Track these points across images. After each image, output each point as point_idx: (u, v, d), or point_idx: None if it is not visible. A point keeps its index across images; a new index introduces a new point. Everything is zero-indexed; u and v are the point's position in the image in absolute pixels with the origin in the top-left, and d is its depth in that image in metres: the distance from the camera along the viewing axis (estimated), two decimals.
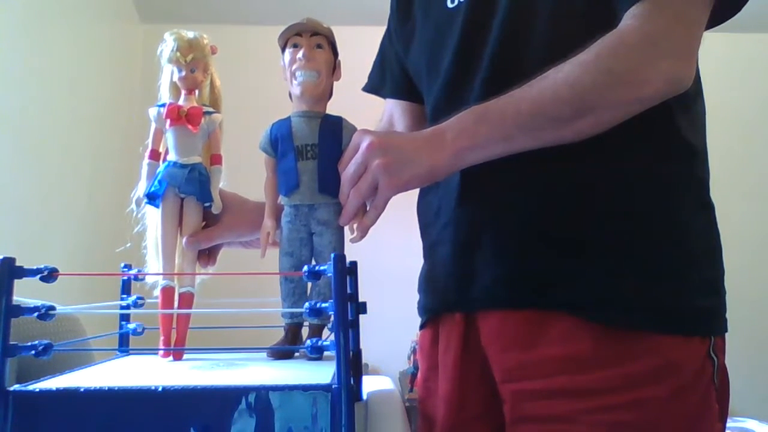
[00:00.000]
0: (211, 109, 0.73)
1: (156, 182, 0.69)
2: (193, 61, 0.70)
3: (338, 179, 0.69)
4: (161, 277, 0.68)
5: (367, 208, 0.71)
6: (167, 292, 0.68)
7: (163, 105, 0.71)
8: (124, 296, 0.72)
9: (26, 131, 1.96)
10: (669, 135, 0.71)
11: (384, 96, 0.99)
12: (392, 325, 2.29)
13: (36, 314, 0.53)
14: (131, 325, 0.73)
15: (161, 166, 0.70)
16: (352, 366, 0.50)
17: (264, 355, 0.68)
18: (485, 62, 0.75)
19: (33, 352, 0.51)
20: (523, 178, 0.72)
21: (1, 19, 1.84)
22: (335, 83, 0.75)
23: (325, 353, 0.57)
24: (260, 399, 0.47)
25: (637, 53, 0.65)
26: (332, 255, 0.50)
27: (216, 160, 0.73)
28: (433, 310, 0.85)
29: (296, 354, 0.69)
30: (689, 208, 0.71)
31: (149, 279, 0.71)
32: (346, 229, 0.71)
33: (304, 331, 0.72)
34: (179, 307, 0.68)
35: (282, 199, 0.72)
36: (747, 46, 2.92)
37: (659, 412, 0.65)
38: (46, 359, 0.52)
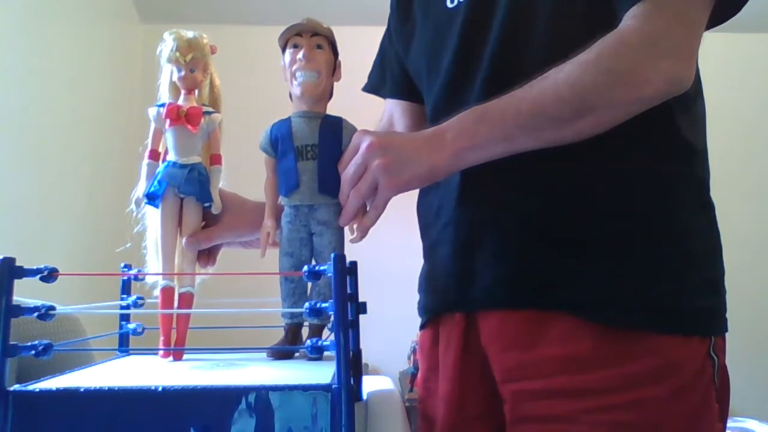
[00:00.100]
0: (210, 109, 0.73)
1: (155, 182, 0.69)
2: (193, 60, 0.70)
3: (338, 179, 0.69)
4: (161, 277, 0.68)
5: (367, 209, 0.71)
6: (167, 292, 0.68)
7: (162, 105, 0.71)
8: (124, 296, 0.72)
9: (26, 131, 1.96)
10: (669, 135, 0.71)
11: (384, 96, 0.99)
12: (392, 325, 2.29)
13: (36, 314, 0.53)
14: (131, 325, 0.73)
15: (161, 166, 0.70)
16: (352, 366, 0.50)
17: (264, 355, 0.68)
18: (485, 62, 0.75)
19: (33, 352, 0.51)
20: (523, 178, 0.72)
21: (1, 19, 1.84)
22: (335, 83, 0.75)
23: (325, 353, 0.57)
24: (260, 399, 0.47)
25: (638, 53, 0.65)
26: (332, 255, 0.50)
27: (215, 160, 0.72)
28: (433, 310, 0.85)
29: (296, 354, 0.69)
30: (689, 208, 0.71)
31: (149, 279, 0.71)
32: (346, 229, 0.71)
33: (304, 332, 0.72)
34: (179, 308, 0.68)
35: (282, 200, 0.72)
36: (747, 46, 2.92)
37: (659, 412, 0.65)
38: (46, 359, 0.52)
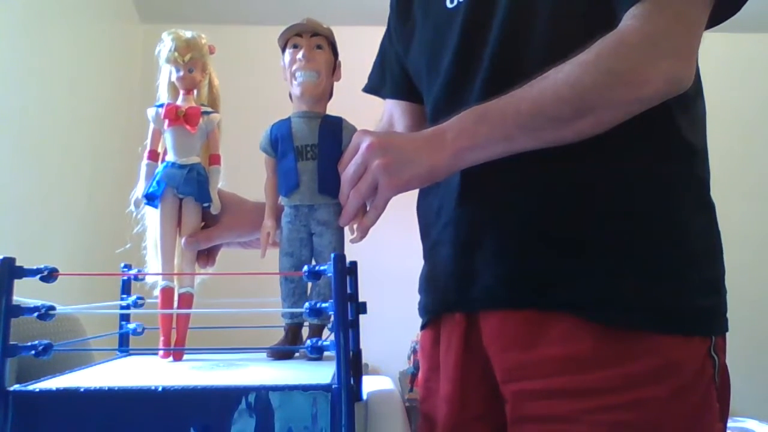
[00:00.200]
0: (209, 109, 0.73)
1: (154, 183, 0.69)
2: (191, 60, 0.70)
3: (338, 180, 0.69)
4: (160, 277, 0.68)
5: (367, 209, 0.71)
6: (166, 292, 0.68)
7: (161, 105, 0.71)
8: (124, 296, 0.72)
9: (26, 131, 1.96)
10: (669, 135, 0.71)
11: (384, 96, 0.99)
12: (392, 325, 2.29)
13: (36, 314, 0.53)
14: (131, 325, 0.73)
15: (160, 167, 0.70)
16: (352, 366, 0.50)
17: (264, 355, 0.68)
18: (485, 62, 0.75)
19: (33, 352, 0.51)
20: (523, 178, 0.72)
21: (1, 19, 1.84)
22: (335, 84, 0.75)
23: (325, 353, 0.57)
24: (260, 399, 0.47)
25: (638, 53, 0.65)
26: (332, 255, 0.50)
27: (214, 160, 0.72)
28: (433, 311, 0.85)
29: (296, 354, 0.69)
30: (689, 208, 0.71)
31: (149, 279, 0.71)
32: (346, 229, 0.71)
33: (304, 332, 0.72)
34: (179, 308, 0.68)
35: (282, 200, 0.72)
36: (747, 46, 2.92)
37: (659, 411, 0.65)
38: (46, 359, 0.52)
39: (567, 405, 0.67)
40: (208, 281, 0.76)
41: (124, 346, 0.73)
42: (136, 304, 0.71)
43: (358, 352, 0.62)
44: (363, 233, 0.71)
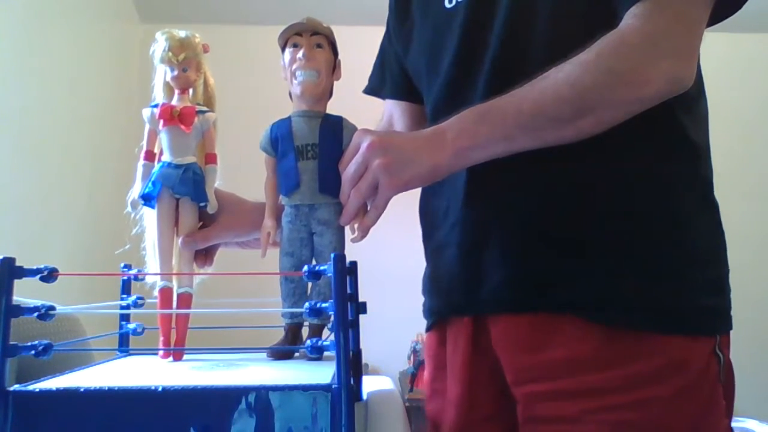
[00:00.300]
0: (204, 108, 0.72)
1: (150, 183, 0.69)
2: (186, 60, 0.70)
3: (339, 179, 0.69)
4: (159, 277, 0.68)
5: (368, 208, 0.71)
6: (165, 293, 0.68)
7: (156, 105, 0.71)
8: (124, 296, 0.72)
9: (26, 131, 1.96)
10: (673, 134, 0.71)
11: (384, 97, 0.99)
12: (392, 325, 2.29)
13: (36, 314, 0.53)
14: (131, 325, 0.73)
15: (156, 167, 0.70)
16: (352, 366, 0.49)
17: (264, 355, 0.68)
18: (487, 63, 0.75)
19: (33, 352, 0.51)
20: (528, 178, 0.72)
21: (1, 19, 1.84)
22: (335, 83, 0.75)
23: (325, 353, 0.57)
24: (260, 399, 0.47)
25: (638, 53, 0.65)
26: (332, 255, 0.50)
27: (211, 159, 0.72)
28: (439, 313, 0.85)
29: (296, 354, 0.69)
30: (692, 207, 0.71)
31: (149, 279, 0.71)
32: (347, 229, 0.71)
33: (305, 332, 0.72)
34: (177, 308, 0.68)
35: (282, 199, 0.72)
36: (747, 46, 2.92)
37: (663, 411, 0.65)
38: (46, 359, 0.52)
39: (573, 406, 0.68)
40: (208, 281, 0.76)
41: (124, 346, 0.73)
42: (136, 304, 0.71)
43: (358, 352, 0.62)
44: (364, 233, 0.70)
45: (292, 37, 0.72)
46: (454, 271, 0.79)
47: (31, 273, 0.52)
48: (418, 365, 2.46)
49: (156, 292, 0.68)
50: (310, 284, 0.70)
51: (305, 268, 0.55)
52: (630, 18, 0.66)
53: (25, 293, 0.59)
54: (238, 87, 2.49)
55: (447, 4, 0.81)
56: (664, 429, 0.66)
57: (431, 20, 0.85)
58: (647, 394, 0.65)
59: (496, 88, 0.69)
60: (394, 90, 0.96)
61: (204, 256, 0.77)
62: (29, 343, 0.51)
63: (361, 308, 0.61)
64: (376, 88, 0.99)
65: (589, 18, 0.70)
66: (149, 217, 0.72)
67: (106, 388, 0.49)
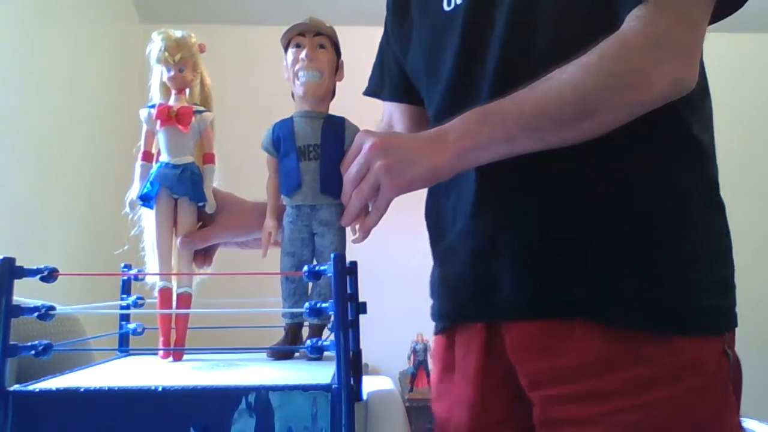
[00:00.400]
0: (201, 108, 0.72)
1: (148, 184, 0.69)
2: (182, 60, 0.70)
3: (340, 180, 0.69)
4: (158, 278, 0.68)
5: (369, 209, 0.70)
6: (165, 293, 0.68)
7: (153, 106, 0.71)
8: (124, 296, 0.72)
9: (26, 131, 1.96)
10: (679, 135, 0.71)
11: (383, 99, 0.99)
12: (392, 325, 2.29)
13: (36, 314, 0.53)
14: (131, 325, 0.73)
15: (153, 168, 0.70)
16: (352, 366, 0.49)
17: (264, 355, 0.68)
18: (489, 67, 0.75)
19: (33, 352, 0.51)
20: (533, 181, 0.71)
21: (1, 19, 1.84)
22: (337, 83, 0.75)
23: (325, 353, 0.57)
24: (260, 399, 0.47)
25: (640, 55, 0.65)
26: (332, 255, 0.50)
27: (208, 159, 0.72)
28: (450, 318, 0.85)
29: (296, 354, 0.69)
30: (697, 207, 0.71)
31: (149, 279, 0.71)
32: (348, 229, 0.71)
33: (305, 332, 0.72)
34: (177, 308, 0.67)
35: (284, 200, 0.72)
36: (748, 46, 2.92)
37: (674, 412, 0.65)
38: (46, 359, 0.51)
39: (585, 408, 0.68)
40: (208, 281, 0.76)
41: (124, 346, 0.73)
42: (136, 304, 0.71)
43: (358, 352, 0.61)
44: (365, 234, 0.70)
45: (295, 37, 0.72)
46: (465, 277, 0.79)
47: (31, 273, 0.52)
48: (418, 365, 2.46)
49: (156, 293, 0.68)
50: (310, 284, 0.70)
51: (305, 268, 0.55)
52: (631, 20, 0.66)
53: (25, 293, 0.59)
54: (238, 87, 2.49)
55: (446, 7, 0.81)
56: (675, 430, 0.66)
57: (430, 21, 0.84)
58: (656, 396, 0.65)
59: (500, 91, 0.69)
60: (393, 92, 0.96)
61: (203, 256, 0.77)
62: (29, 343, 0.51)
63: (361, 308, 0.61)
64: (375, 89, 0.99)
65: (591, 20, 0.70)
66: (148, 217, 0.72)
67: (106, 388, 0.49)
